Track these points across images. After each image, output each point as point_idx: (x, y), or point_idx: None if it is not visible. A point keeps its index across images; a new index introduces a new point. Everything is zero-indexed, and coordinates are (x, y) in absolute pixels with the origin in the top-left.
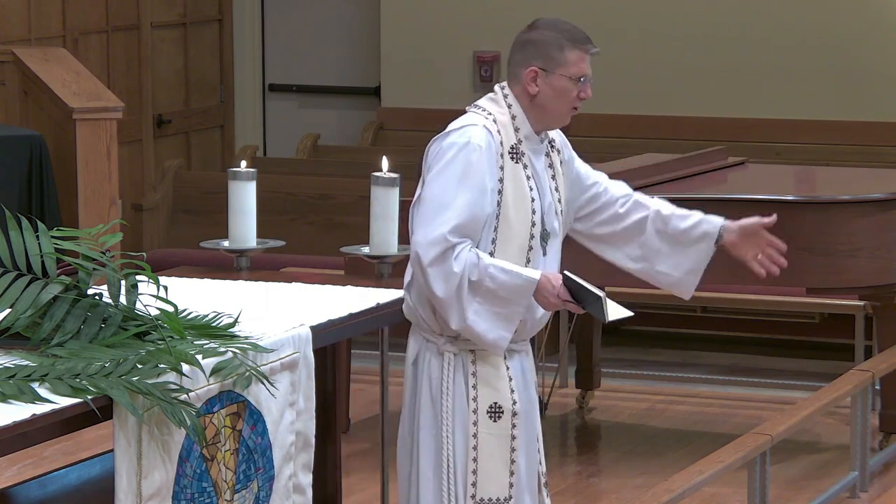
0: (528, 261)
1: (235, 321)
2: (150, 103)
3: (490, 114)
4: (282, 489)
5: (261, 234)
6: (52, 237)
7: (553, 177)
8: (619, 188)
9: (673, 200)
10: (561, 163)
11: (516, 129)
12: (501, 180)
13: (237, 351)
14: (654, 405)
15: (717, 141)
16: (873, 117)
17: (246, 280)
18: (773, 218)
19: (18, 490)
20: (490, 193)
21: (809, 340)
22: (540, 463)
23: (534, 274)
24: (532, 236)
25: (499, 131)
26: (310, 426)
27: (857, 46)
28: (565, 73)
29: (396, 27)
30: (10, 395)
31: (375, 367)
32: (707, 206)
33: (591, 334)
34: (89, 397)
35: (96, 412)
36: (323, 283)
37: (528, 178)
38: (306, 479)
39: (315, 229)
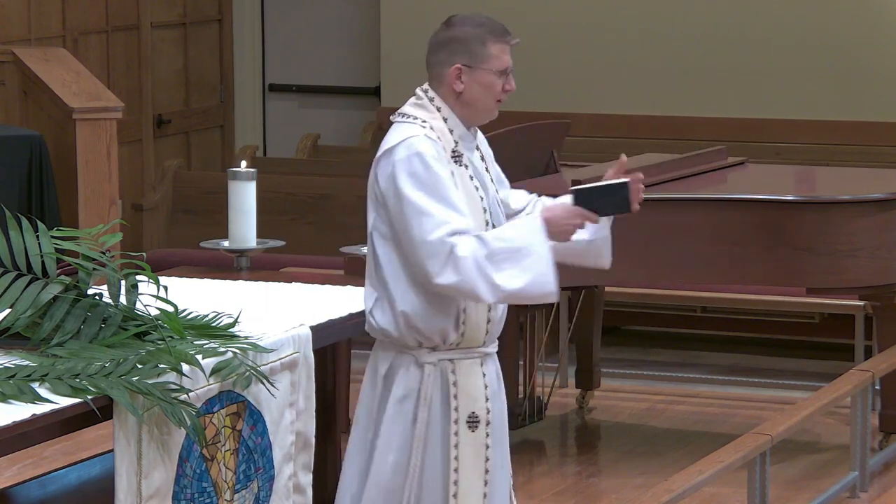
0: None
1: (235, 321)
2: (150, 103)
3: (424, 121)
4: (282, 489)
5: (261, 234)
6: (52, 237)
7: (486, 168)
8: (520, 199)
9: (673, 200)
10: (486, 152)
11: (451, 131)
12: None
13: (237, 351)
14: (654, 405)
15: (717, 141)
16: (873, 117)
17: (246, 280)
18: (623, 161)
19: (18, 490)
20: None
21: (809, 340)
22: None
23: (534, 216)
24: None
25: (438, 138)
26: (310, 426)
27: (857, 46)
28: (489, 67)
29: (396, 27)
30: (10, 395)
31: None
32: (707, 206)
33: (591, 334)
34: (89, 397)
35: (96, 412)
36: (323, 283)
37: (471, 178)
38: (306, 479)
39: (315, 229)
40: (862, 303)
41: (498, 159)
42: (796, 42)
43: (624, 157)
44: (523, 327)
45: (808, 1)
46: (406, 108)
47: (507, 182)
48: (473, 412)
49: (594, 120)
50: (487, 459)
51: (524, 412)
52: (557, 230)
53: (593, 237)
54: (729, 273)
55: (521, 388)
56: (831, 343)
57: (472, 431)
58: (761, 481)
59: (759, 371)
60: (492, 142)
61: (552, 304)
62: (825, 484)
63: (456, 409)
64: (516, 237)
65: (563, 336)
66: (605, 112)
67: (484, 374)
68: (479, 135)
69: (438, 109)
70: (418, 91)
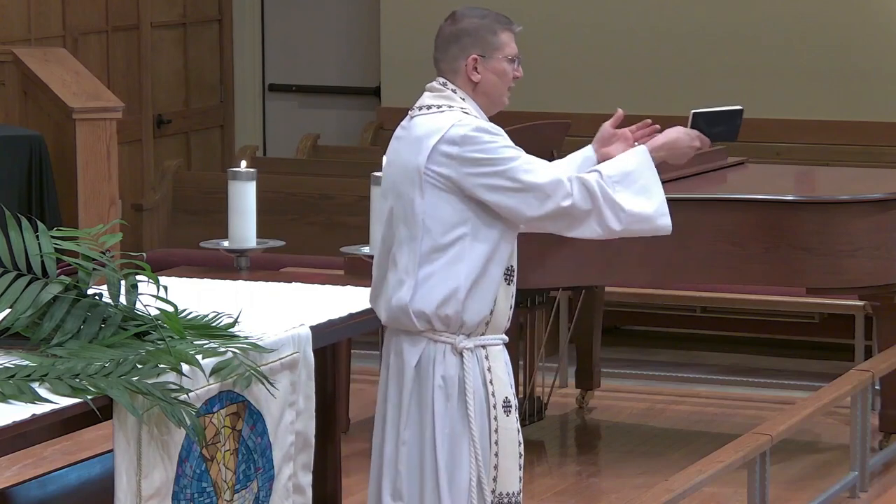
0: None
1: (235, 321)
2: (150, 103)
3: (451, 107)
4: (281, 489)
5: (261, 234)
6: (52, 237)
7: None
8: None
9: (673, 200)
10: None
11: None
12: None
13: (237, 351)
14: (654, 405)
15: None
16: (873, 117)
17: (246, 280)
18: (619, 114)
19: (18, 490)
20: None
21: (809, 340)
22: None
23: (639, 148)
24: None
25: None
26: (310, 426)
27: (857, 46)
28: (503, 54)
29: (396, 27)
30: (10, 395)
31: (375, 367)
32: (707, 206)
33: (591, 334)
34: (89, 397)
35: (96, 412)
36: (323, 283)
37: None
38: (306, 479)
39: (315, 229)
40: (862, 303)
41: None
42: (796, 42)
43: (620, 111)
44: (523, 327)
45: (808, 1)
46: (428, 100)
47: None
48: (507, 397)
49: (594, 120)
50: (520, 444)
51: (524, 412)
52: (676, 153)
53: None
54: (729, 273)
55: (521, 388)
56: (831, 343)
57: (507, 416)
58: (761, 481)
59: (759, 371)
60: None
61: (552, 304)
62: (825, 484)
63: (493, 395)
64: (625, 163)
65: (563, 336)
66: (605, 112)
67: (507, 362)
68: None
69: (463, 99)
70: (435, 84)
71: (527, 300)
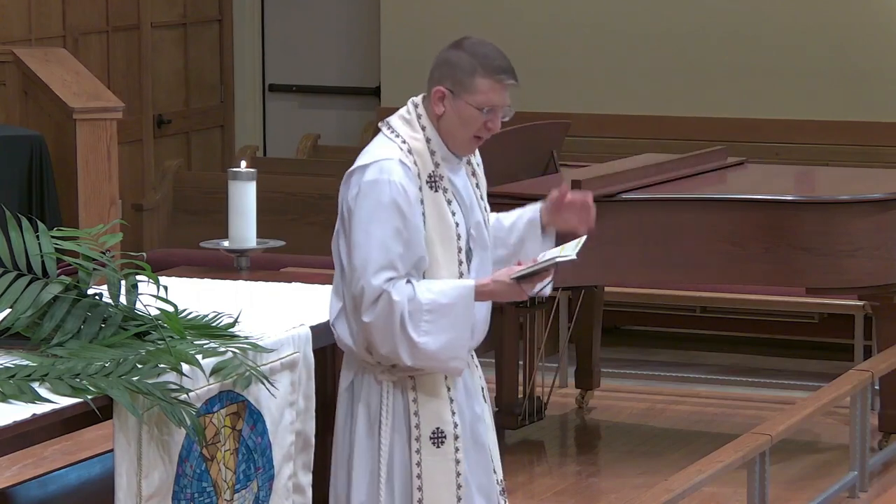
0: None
1: (235, 321)
2: (150, 103)
3: (404, 141)
4: (282, 489)
5: (261, 234)
6: (52, 237)
7: (477, 185)
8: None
9: (673, 200)
10: (480, 166)
11: (432, 153)
12: (424, 214)
13: (237, 351)
14: (654, 405)
15: (717, 141)
16: (873, 117)
17: (246, 280)
18: (564, 188)
19: (18, 490)
20: (421, 232)
21: (809, 340)
22: (494, 471)
23: (465, 282)
24: (460, 262)
25: (415, 162)
26: (310, 426)
27: (857, 46)
28: (471, 100)
29: (396, 27)
30: (10, 395)
31: None
32: (707, 206)
33: (591, 334)
34: (89, 397)
35: (96, 412)
36: (323, 283)
37: (448, 202)
38: (306, 479)
39: (315, 229)
40: (862, 303)
41: (498, 159)
42: (796, 42)
43: (554, 193)
44: (523, 327)
45: (808, 1)
46: (394, 120)
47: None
48: (438, 427)
49: (594, 120)
50: (459, 474)
51: (524, 412)
52: (510, 292)
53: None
54: (729, 273)
55: (521, 388)
56: (831, 343)
57: (438, 447)
58: (761, 481)
59: (759, 371)
60: (492, 142)
61: (552, 304)
62: (825, 484)
63: (417, 427)
64: (446, 289)
65: (563, 336)
66: (605, 112)
67: (448, 388)
68: (476, 156)
69: (423, 129)
70: (411, 102)
71: (527, 300)
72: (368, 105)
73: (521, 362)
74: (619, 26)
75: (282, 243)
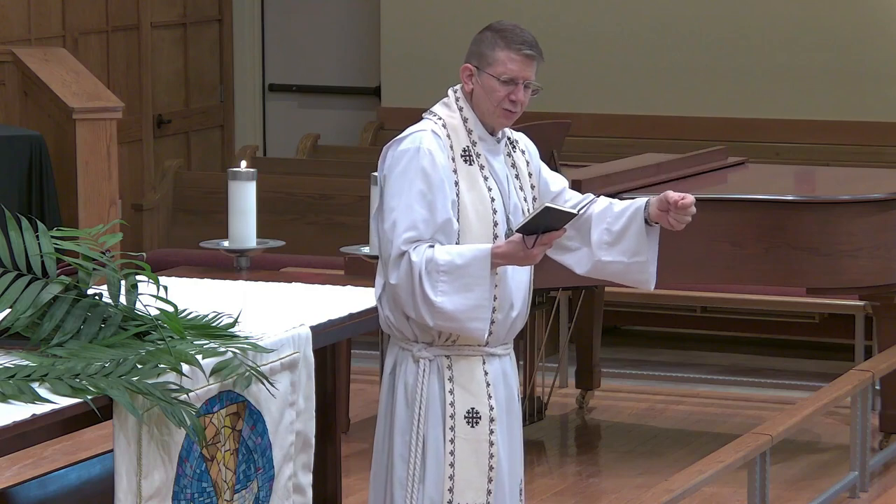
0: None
1: (235, 321)
2: (150, 103)
3: (440, 118)
4: (282, 489)
5: (261, 234)
6: (52, 237)
7: (517, 176)
8: (576, 195)
9: None
10: (528, 163)
11: (469, 132)
12: (457, 183)
13: (237, 351)
14: (654, 405)
15: (717, 141)
16: (873, 117)
17: (246, 280)
18: (685, 199)
19: (18, 490)
20: (448, 198)
21: (809, 340)
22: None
23: (483, 245)
24: (496, 236)
25: (448, 136)
26: (310, 426)
27: (857, 46)
28: (492, 71)
29: (396, 27)
30: (10, 395)
31: (375, 367)
32: (707, 206)
33: (591, 334)
34: (89, 397)
35: (96, 412)
36: (323, 283)
37: (485, 178)
38: (306, 479)
39: (315, 229)
40: (862, 303)
41: None
42: (796, 42)
43: (672, 195)
44: (523, 327)
45: (808, 1)
46: (435, 106)
47: (562, 179)
48: (473, 407)
49: (594, 120)
50: (492, 456)
51: (524, 412)
52: (519, 257)
53: (630, 260)
54: (729, 273)
55: (521, 388)
56: (831, 343)
57: (472, 427)
58: (761, 481)
59: (759, 371)
60: None
61: (552, 304)
62: (825, 484)
63: (451, 405)
64: (462, 252)
65: (563, 336)
66: (605, 112)
67: (486, 372)
68: (525, 143)
69: (461, 109)
70: (449, 91)
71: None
72: (368, 105)
73: (521, 362)
74: (620, 27)
75: (282, 243)
